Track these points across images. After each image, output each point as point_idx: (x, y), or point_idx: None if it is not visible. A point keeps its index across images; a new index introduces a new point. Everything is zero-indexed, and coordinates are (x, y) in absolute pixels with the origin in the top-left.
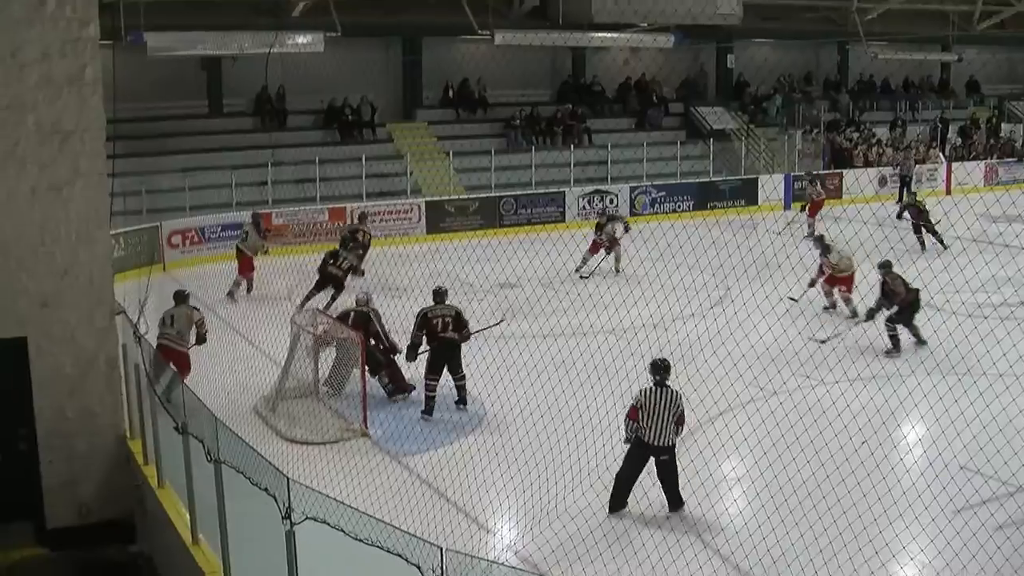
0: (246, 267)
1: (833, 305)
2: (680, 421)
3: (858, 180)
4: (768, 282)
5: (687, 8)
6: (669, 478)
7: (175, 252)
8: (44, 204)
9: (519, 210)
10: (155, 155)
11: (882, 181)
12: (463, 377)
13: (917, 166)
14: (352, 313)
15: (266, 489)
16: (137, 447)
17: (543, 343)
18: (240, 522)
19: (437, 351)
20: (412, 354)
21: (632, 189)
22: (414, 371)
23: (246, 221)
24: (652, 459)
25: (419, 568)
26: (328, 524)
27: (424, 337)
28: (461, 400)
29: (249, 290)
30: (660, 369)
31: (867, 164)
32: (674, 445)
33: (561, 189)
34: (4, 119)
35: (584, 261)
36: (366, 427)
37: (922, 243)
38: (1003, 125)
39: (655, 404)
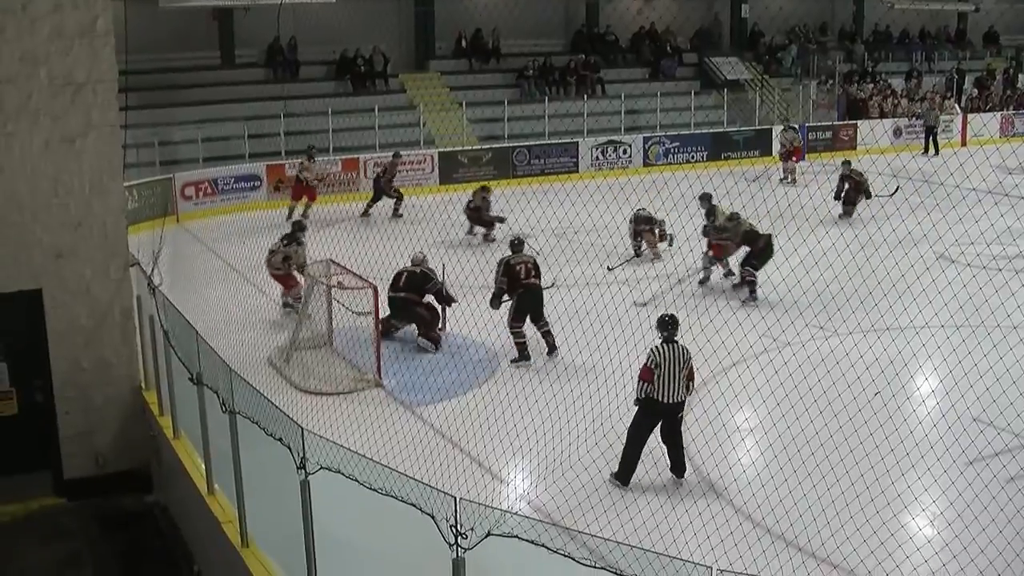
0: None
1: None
2: (691, 377)
3: (873, 131)
4: (782, 233)
5: None
6: (677, 440)
7: (188, 204)
8: (57, 156)
9: (532, 160)
10: (167, 107)
11: (897, 132)
12: (547, 324)
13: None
14: (406, 274)
15: (280, 439)
16: (152, 398)
17: (556, 294)
18: (255, 472)
19: (524, 297)
20: (496, 302)
21: (646, 139)
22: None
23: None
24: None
25: (433, 517)
26: (342, 474)
27: (507, 285)
28: (551, 348)
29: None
30: (669, 325)
31: (882, 115)
32: (684, 401)
33: (575, 139)
34: (16, 72)
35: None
36: (380, 377)
37: (848, 211)
38: (1020, 76)
39: (669, 362)
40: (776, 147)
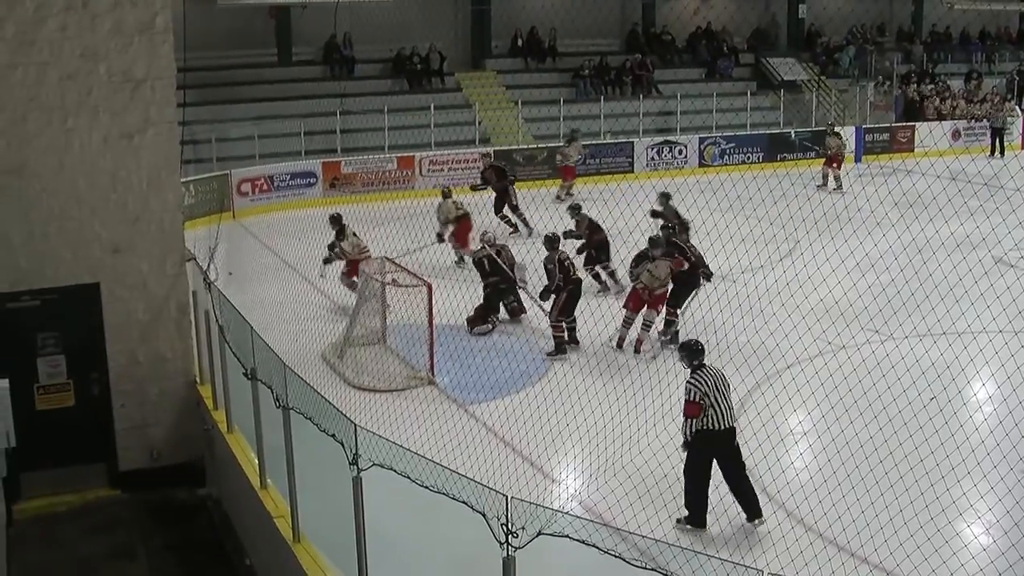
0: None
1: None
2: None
3: (932, 133)
4: (839, 235)
5: None
6: (743, 473)
7: (244, 200)
8: (116, 152)
9: (588, 160)
10: (225, 103)
11: (956, 134)
12: (574, 319)
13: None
14: (486, 260)
15: (333, 435)
16: (207, 392)
17: (610, 294)
18: (307, 467)
19: (574, 293)
20: (547, 295)
21: (702, 140)
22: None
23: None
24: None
25: (484, 515)
26: (394, 471)
27: (563, 279)
28: (574, 341)
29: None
30: (698, 352)
31: (940, 117)
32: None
33: (630, 139)
34: (77, 68)
35: None
36: (432, 375)
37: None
38: None
39: (716, 387)
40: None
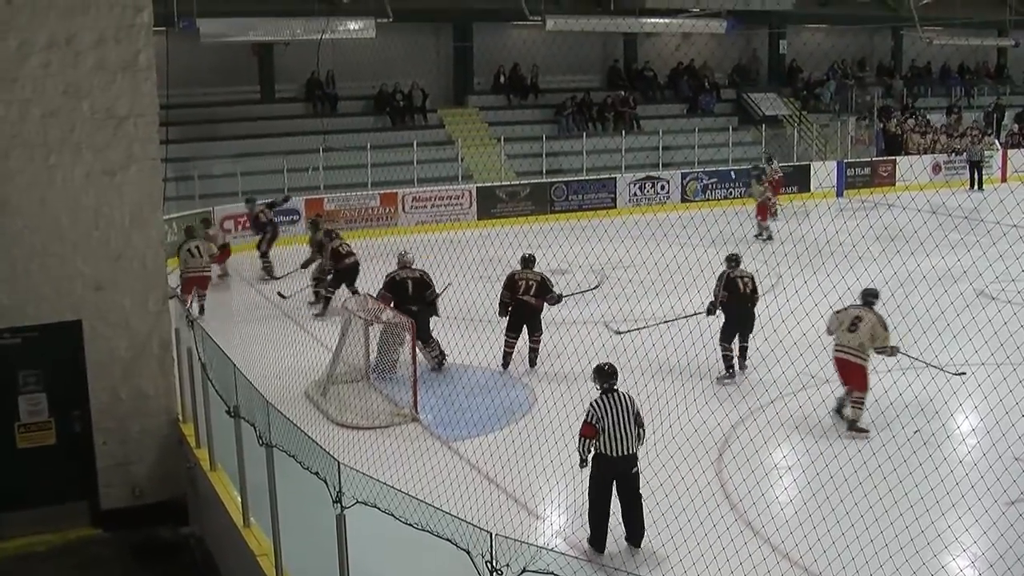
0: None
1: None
2: (641, 425)
3: (912, 167)
4: (821, 269)
5: None
6: (635, 499)
7: (227, 237)
8: (98, 189)
9: (570, 196)
10: (207, 140)
11: (936, 168)
12: (538, 340)
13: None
14: (410, 281)
15: (317, 473)
16: (189, 430)
17: (593, 330)
18: (291, 505)
19: (516, 311)
20: (503, 310)
21: (684, 175)
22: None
23: None
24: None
25: (468, 553)
26: (378, 508)
27: (508, 296)
28: (532, 362)
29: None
30: (608, 375)
31: (921, 152)
32: (636, 455)
33: (612, 175)
34: (60, 105)
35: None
36: (416, 412)
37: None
38: None
39: (613, 412)
40: (814, 184)
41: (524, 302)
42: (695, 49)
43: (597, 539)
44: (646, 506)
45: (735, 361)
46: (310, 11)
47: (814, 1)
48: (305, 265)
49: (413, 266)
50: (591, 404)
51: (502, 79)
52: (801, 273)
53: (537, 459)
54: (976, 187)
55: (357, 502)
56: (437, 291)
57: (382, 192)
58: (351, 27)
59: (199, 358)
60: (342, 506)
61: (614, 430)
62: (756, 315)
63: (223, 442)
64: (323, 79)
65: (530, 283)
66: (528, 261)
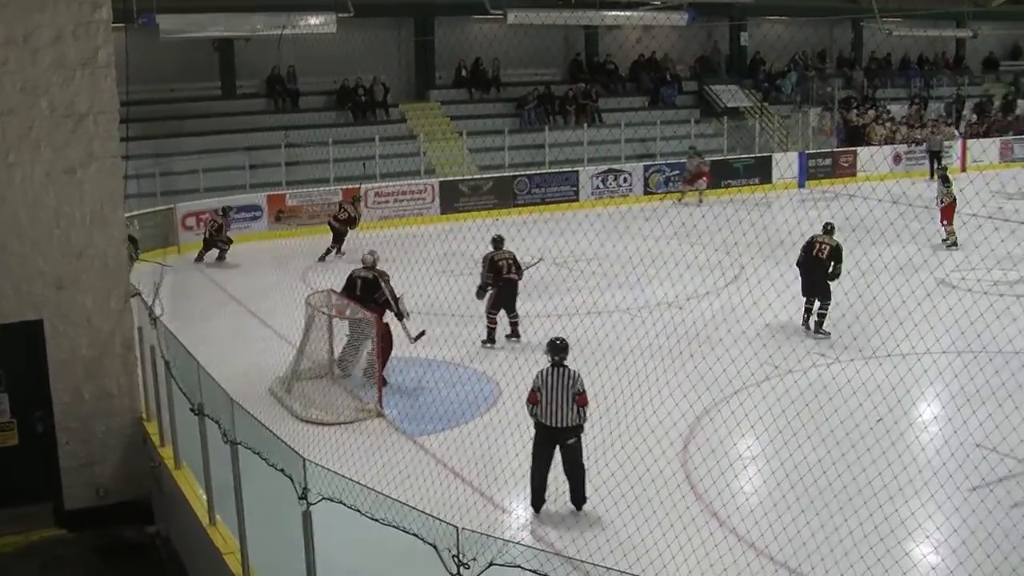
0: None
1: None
2: (581, 401)
3: (873, 158)
4: (783, 260)
5: None
6: (574, 469)
7: (190, 234)
8: (58, 187)
9: (533, 189)
10: (168, 137)
11: (897, 159)
12: (517, 315)
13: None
14: (359, 280)
15: (282, 470)
16: (153, 429)
17: (558, 322)
18: (257, 503)
19: (503, 290)
20: (482, 293)
21: (646, 168)
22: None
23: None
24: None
25: (435, 547)
26: (344, 504)
27: (492, 277)
28: (515, 335)
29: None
30: (558, 349)
31: (883, 142)
32: (578, 427)
33: (575, 168)
34: (18, 102)
35: None
36: (381, 407)
37: None
38: (1019, 101)
39: (551, 385)
40: (776, 175)
41: (509, 279)
42: (656, 42)
43: (533, 499)
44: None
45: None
46: (271, 6)
47: None
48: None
49: (375, 267)
50: (538, 373)
51: (464, 73)
52: (764, 264)
53: (503, 453)
54: (936, 177)
55: (323, 498)
56: (395, 294)
57: (344, 187)
58: (312, 22)
59: (162, 356)
60: (308, 502)
61: (550, 401)
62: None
63: (188, 440)
64: (284, 75)
65: (509, 262)
66: (500, 241)
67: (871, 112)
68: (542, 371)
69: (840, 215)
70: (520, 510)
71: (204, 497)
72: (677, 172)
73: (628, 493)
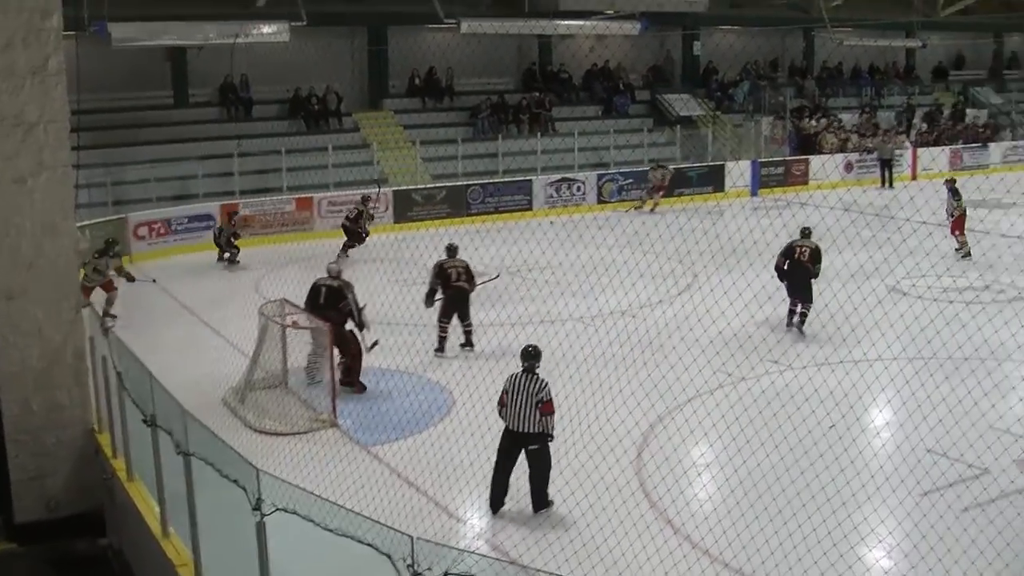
0: None
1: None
2: (545, 410)
3: (824, 166)
4: (735, 268)
5: None
6: (535, 472)
7: (142, 244)
8: (8, 196)
9: (486, 199)
10: (120, 146)
11: (848, 167)
12: (470, 324)
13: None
14: (324, 288)
15: (236, 480)
16: (105, 440)
17: (511, 331)
18: (210, 514)
19: (452, 298)
20: (430, 300)
21: (599, 176)
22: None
23: None
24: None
25: (390, 557)
26: (298, 515)
27: (440, 285)
28: (468, 344)
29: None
30: (529, 356)
31: (835, 151)
32: (542, 434)
33: (528, 177)
34: None
35: None
36: (335, 417)
37: None
38: (968, 111)
39: (518, 390)
40: (729, 183)
41: (459, 287)
42: (609, 51)
43: (492, 500)
44: (568, 503)
45: (446, 342)
46: (224, 15)
47: (727, 3)
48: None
49: (340, 276)
50: (508, 376)
51: (417, 82)
52: (716, 272)
53: (457, 462)
54: (887, 185)
55: (277, 509)
56: (359, 304)
57: (297, 197)
58: (265, 31)
59: (114, 367)
60: (262, 513)
61: (513, 406)
62: (470, 299)
63: (140, 452)
64: (237, 83)
65: (459, 270)
66: (453, 250)
67: (823, 121)
68: (512, 375)
69: (792, 223)
70: (475, 519)
71: (157, 509)
72: (631, 181)
73: (583, 501)
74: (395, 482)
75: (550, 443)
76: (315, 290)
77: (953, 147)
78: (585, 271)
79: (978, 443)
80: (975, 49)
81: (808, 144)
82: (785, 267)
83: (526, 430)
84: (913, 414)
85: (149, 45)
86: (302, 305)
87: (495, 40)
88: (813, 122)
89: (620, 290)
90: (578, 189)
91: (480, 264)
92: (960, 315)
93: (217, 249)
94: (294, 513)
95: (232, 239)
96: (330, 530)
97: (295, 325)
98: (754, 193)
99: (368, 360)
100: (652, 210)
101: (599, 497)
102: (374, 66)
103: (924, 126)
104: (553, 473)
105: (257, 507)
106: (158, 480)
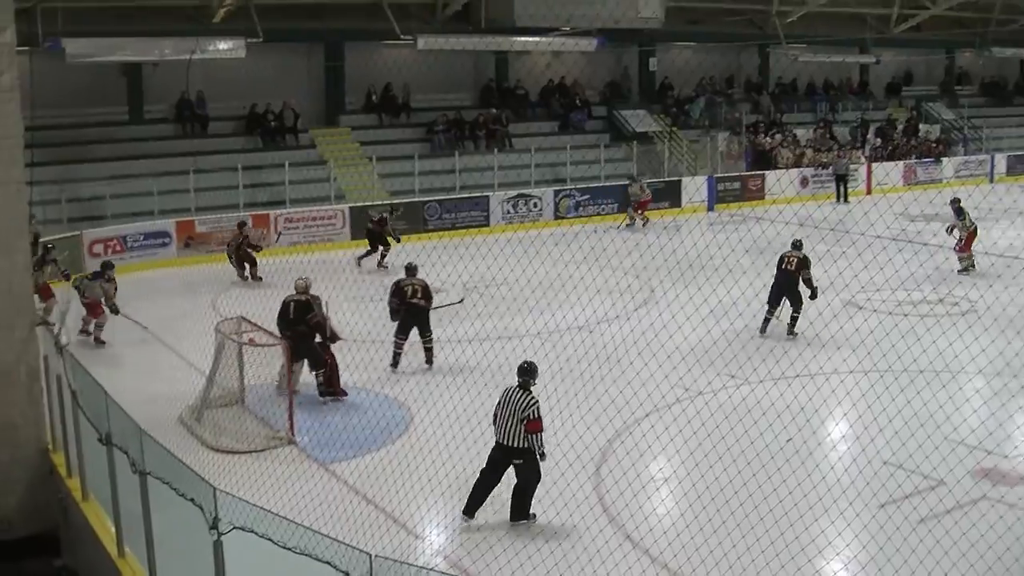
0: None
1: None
2: (530, 428)
3: (780, 181)
4: (692, 283)
5: (609, 12)
6: (519, 483)
7: (97, 261)
8: None
9: (443, 214)
10: (75, 163)
11: (804, 181)
12: (430, 340)
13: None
14: (292, 304)
15: (192, 499)
16: (60, 460)
17: (468, 347)
18: (167, 533)
19: (407, 314)
20: (394, 316)
21: (556, 192)
22: (357, 376)
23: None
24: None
25: (348, 575)
26: (256, 533)
27: (397, 302)
28: (428, 360)
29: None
30: (522, 371)
31: (790, 166)
32: (528, 450)
33: (485, 193)
34: None
35: None
36: (293, 434)
37: None
38: (920, 126)
39: (505, 404)
40: (685, 199)
41: (413, 304)
42: (566, 67)
43: (467, 504)
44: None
45: (399, 358)
46: (180, 31)
47: (683, 19)
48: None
49: (308, 291)
50: (504, 389)
51: (374, 98)
52: (673, 287)
53: (415, 478)
54: (842, 200)
55: (234, 528)
56: (325, 315)
57: (254, 213)
58: (221, 47)
59: (69, 385)
60: (219, 532)
61: (499, 419)
62: (428, 316)
63: (96, 471)
64: (193, 99)
65: (416, 288)
66: (411, 269)
67: (778, 136)
68: (507, 388)
69: (748, 238)
70: (434, 536)
71: (113, 529)
72: (587, 197)
73: (542, 516)
74: (353, 499)
75: (542, 461)
76: (285, 306)
77: (907, 162)
78: (543, 287)
79: (934, 455)
80: (927, 65)
81: (764, 159)
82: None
83: (512, 444)
84: (869, 426)
85: (104, 61)
86: (274, 322)
87: (452, 56)
88: (769, 138)
89: (578, 305)
90: (535, 205)
91: (438, 281)
92: (915, 328)
93: (237, 268)
94: (252, 532)
95: (249, 249)
96: (288, 548)
97: (251, 343)
98: (711, 208)
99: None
100: (644, 225)
101: (558, 512)
102: (331, 82)
103: (878, 141)
104: (510, 489)
105: (214, 526)
106: (114, 500)
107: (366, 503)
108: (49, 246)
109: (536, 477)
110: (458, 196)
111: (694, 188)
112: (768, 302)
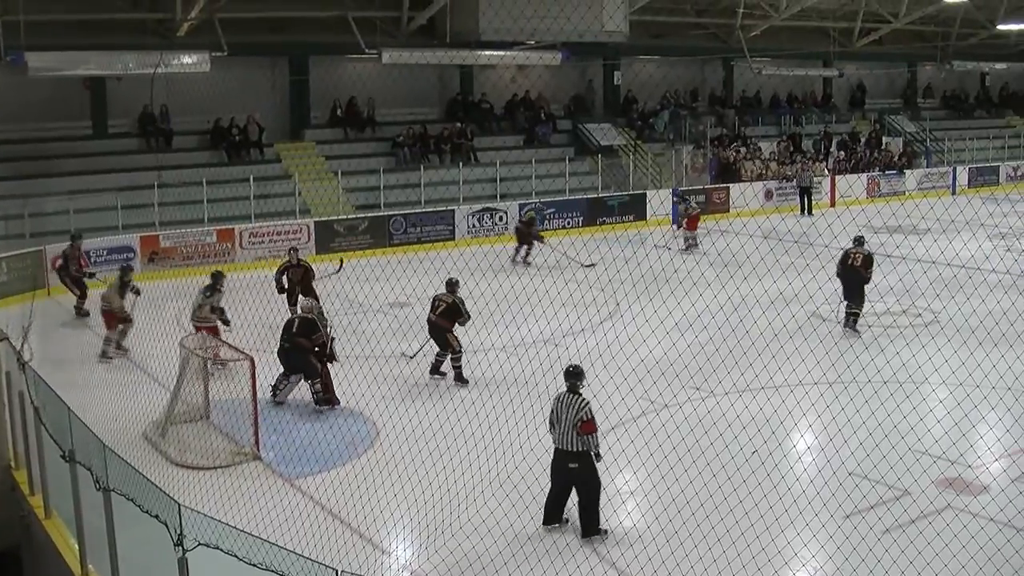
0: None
1: None
2: (583, 430)
3: (744, 194)
4: (656, 296)
5: (574, 26)
6: (580, 496)
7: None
8: None
9: (408, 229)
10: (38, 177)
11: (768, 194)
12: (442, 355)
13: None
14: (298, 320)
15: (157, 516)
16: (23, 477)
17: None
18: (131, 551)
19: (429, 329)
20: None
21: (521, 206)
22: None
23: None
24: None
25: None
26: (221, 550)
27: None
28: (455, 378)
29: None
30: (570, 375)
31: (754, 178)
32: (585, 453)
33: (450, 207)
34: None
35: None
36: (258, 450)
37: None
38: (883, 138)
39: (559, 409)
40: (650, 212)
41: (429, 320)
42: (531, 81)
43: (546, 517)
44: (493, 532)
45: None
46: (144, 45)
47: (647, 33)
48: None
49: (314, 312)
50: (555, 397)
51: (339, 112)
52: (638, 300)
53: (381, 493)
54: (806, 212)
55: (199, 544)
56: (327, 335)
57: (219, 228)
58: (185, 61)
59: (31, 402)
60: (184, 549)
61: (556, 425)
62: (443, 332)
63: (59, 488)
64: (157, 114)
65: (439, 304)
66: (449, 284)
67: (742, 149)
68: (559, 394)
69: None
70: (400, 551)
71: (76, 546)
72: (552, 210)
73: (508, 530)
74: (319, 515)
75: (597, 462)
76: (289, 321)
77: (870, 174)
78: (508, 300)
79: (898, 465)
80: (890, 78)
81: (728, 172)
82: (839, 272)
83: (567, 448)
84: (834, 438)
85: (67, 75)
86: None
87: (416, 70)
88: (733, 151)
89: (543, 319)
90: (500, 219)
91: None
92: (879, 339)
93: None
94: (217, 548)
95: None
96: (254, 565)
97: (216, 358)
98: (674, 221)
99: (294, 393)
100: (686, 246)
101: (524, 526)
102: (295, 96)
103: (841, 154)
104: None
105: (179, 543)
106: (77, 517)
107: (332, 518)
108: (128, 268)
109: (596, 483)
110: (424, 210)
111: (659, 201)
112: (844, 298)
